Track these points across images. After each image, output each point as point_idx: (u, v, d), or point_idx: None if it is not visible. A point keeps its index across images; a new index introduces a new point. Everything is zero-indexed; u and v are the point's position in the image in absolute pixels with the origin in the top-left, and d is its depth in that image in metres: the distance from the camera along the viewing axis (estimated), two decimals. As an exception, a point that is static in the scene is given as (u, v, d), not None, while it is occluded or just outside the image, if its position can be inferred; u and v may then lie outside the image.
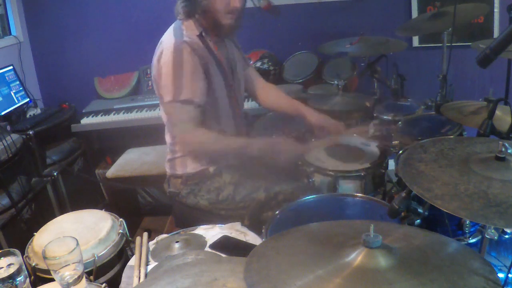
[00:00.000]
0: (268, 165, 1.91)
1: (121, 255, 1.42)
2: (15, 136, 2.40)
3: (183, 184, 1.79)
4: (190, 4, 1.63)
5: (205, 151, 1.69)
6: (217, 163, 1.78)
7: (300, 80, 2.97)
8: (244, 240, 1.39)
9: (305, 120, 1.92)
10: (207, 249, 1.35)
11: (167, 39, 1.65)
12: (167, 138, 1.83)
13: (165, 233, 1.47)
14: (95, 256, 1.29)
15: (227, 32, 1.74)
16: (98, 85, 3.34)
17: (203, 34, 1.68)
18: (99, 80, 3.34)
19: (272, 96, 2.05)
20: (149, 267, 1.28)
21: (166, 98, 1.63)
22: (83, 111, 3.07)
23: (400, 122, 2.11)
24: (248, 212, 1.73)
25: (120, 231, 1.42)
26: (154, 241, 1.42)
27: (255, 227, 1.47)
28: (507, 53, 1.25)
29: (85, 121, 2.95)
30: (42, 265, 1.27)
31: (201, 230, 1.47)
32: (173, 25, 1.72)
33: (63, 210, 2.62)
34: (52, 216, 1.54)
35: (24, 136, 2.51)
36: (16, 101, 2.83)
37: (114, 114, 2.97)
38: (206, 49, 1.67)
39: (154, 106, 2.98)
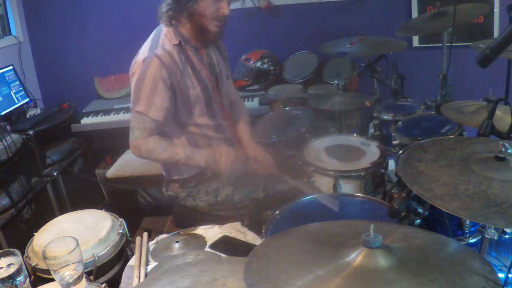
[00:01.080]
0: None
1: (121, 255, 1.42)
2: (15, 136, 2.40)
3: (180, 187, 1.79)
4: (176, 8, 1.61)
5: (155, 158, 1.70)
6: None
7: (300, 80, 2.97)
8: (244, 240, 1.39)
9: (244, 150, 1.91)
10: (207, 249, 1.35)
11: (142, 51, 1.67)
12: None
13: (165, 233, 1.47)
14: (95, 256, 1.29)
15: (211, 40, 1.72)
16: (98, 85, 3.34)
17: (182, 43, 1.66)
18: (99, 80, 3.35)
19: (232, 115, 2.00)
20: (149, 267, 1.28)
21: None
22: (83, 111, 3.08)
23: (400, 122, 2.11)
24: (247, 212, 1.73)
25: (120, 231, 1.42)
26: (154, 241, 1.42)
27: (255, 227, 1.47)
28: (507, 53, 1.26)
29: (85, 121, 2.95)
30: (42, 265, 1.27)
31: (201, 230, 1.47)
32: (153, 32, 1.72)
33: (63, 210, 2.62)
34: (52, 216, 1.54)
35: (24, 136, 2.51)
36: (16, 101, 2.84)
37: (114, 114, 2.97)
38: (183, 59, 1.66)
39: (154, 106, 2.97)
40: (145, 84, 1.61)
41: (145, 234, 1.43)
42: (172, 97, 1.67)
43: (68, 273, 1.06)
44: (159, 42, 1.65)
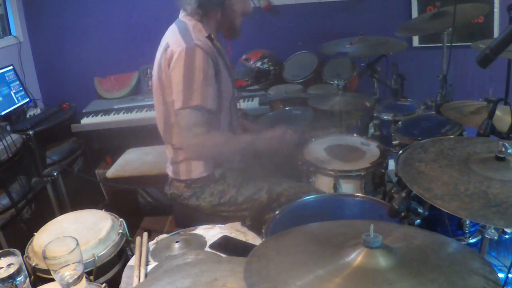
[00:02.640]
0: (270, 166, 1.91)
1: (121, 255, 1.42)
2: (15, 136, 2.40)
3: (186, 187, 1.77)
4: (209, 2, 1.61)
5: (221, 153, 1.67)
6: (222, 167, 1.77)
7: (300, 80, 2.97)
8: (244, 240, 1.39)
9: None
10: (207, 249, 1.35)
11: (177, 42, 1.59)
12: (169, 140, 1.79)
13: (165, 233, 1.47)
14: (95, 256, 1.29)
15: (236, 35, 1.76)
16: (98, 85, 3.34)
17: (212, 36, 1.66)
18: (99, 80, 3.34)
19: None
20: (149, 267, 1.28)
21: (177, 104, 1.60)
22: (83, 111, 3.07)
23: (400, 122, 2.11)
24: (250, 214, 1.73)
25: (120, 231, 1.42)
26: (154, 241, 1.42)
27: (256, 227, 1.47)
28: (507, 53, 1.25)
29: (85, 121, 2.95)
30: (42, 265, 1.27)
31: (201, 230, 1.47)
32: (175, 26, 1.67)
33: (63, 210, 2.62)
34: (52, 216, 1.54)
35: (24, 136, 2.51)
36: (16, 101, 2.83)
37: (114, 114, 2.97)
38: (216, 52, 1.66)
39: (154, 106, 2.97)
40: (196, 75, 1.54)
41: (145, 234, 1.43)
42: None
43: (68, 273, 1.06)
44: (192, 34, 1.61)
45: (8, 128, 2.51)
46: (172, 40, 1.63)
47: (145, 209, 2.98)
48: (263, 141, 1.69)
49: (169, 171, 1.82)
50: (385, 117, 2.25)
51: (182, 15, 1.70)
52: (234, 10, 1.66)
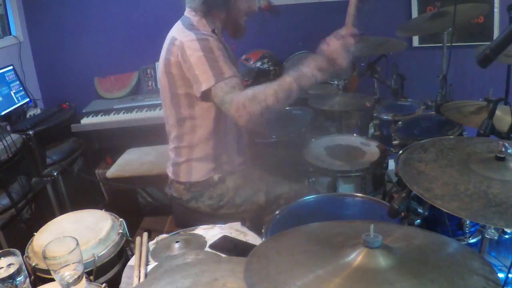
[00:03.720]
0: (270, 167, 1.90)
1: (121, 255, 1.42)
2: (15, 136, 2.40)
3: (186, 190, 1.76)
4: (212, 0, 1.61)
5: (264, 101, 1.46)
6: (221, 170, 1.75)
7: (300, 80, 2.96)
8: (244, 240, 1.39)
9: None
10: (207, 249, 1.35)
11: (183, 34, 1.60)
12: (172, 139, 1.77)
13: (165, 233, 1.47)
14: (95, 256, 1.29)
15: (240, 33, 1.75)
16: (98, 85, 3.34)
17: (216, 31, 1.67)
18: (99, 80, 3.35)
19: None
20: (149, 267, 1.28)
21: (207, 84, 1.53)
22: (83, 111, 3.08)
23: (400, 122, 2.11)
24: (248, 215, 1.72)
25: (120, 231, 1.42)
26: (154, 241, 1.42)
27: (255, 228, 1.47)
28: (507, 58, 1.26)
29: (85, 121, 2.95)
30: (42, 265, 1.27)
31: (201, 230, 1.47)
32: (180, 22, 1.68)
33: (63, 210, 2.62)
34: (52, 216, 1.54)
35: (24, 136, 2.52)
36: (16, 101, 2.84)
37: (114, 114, 2.97)
38: (221, 44, 1.65)
39: (154, 106, 2.98)
40: (216, 54, 1.54)
41: (145, 234, 1.43)
42: None
43: (68, 273, 1.06)
44: (198, 28, 1.62)
45: (8, 128, 2.51)
46: (178, 33, 1.62)
47: (145, 209, 2.98)
48: (306, 72, 1.54)
49: (170, 172, 1.80)
50: (385, 117, 2.25)
51: (187, 11, 1.70)
52: (239, 9, 1.66)
